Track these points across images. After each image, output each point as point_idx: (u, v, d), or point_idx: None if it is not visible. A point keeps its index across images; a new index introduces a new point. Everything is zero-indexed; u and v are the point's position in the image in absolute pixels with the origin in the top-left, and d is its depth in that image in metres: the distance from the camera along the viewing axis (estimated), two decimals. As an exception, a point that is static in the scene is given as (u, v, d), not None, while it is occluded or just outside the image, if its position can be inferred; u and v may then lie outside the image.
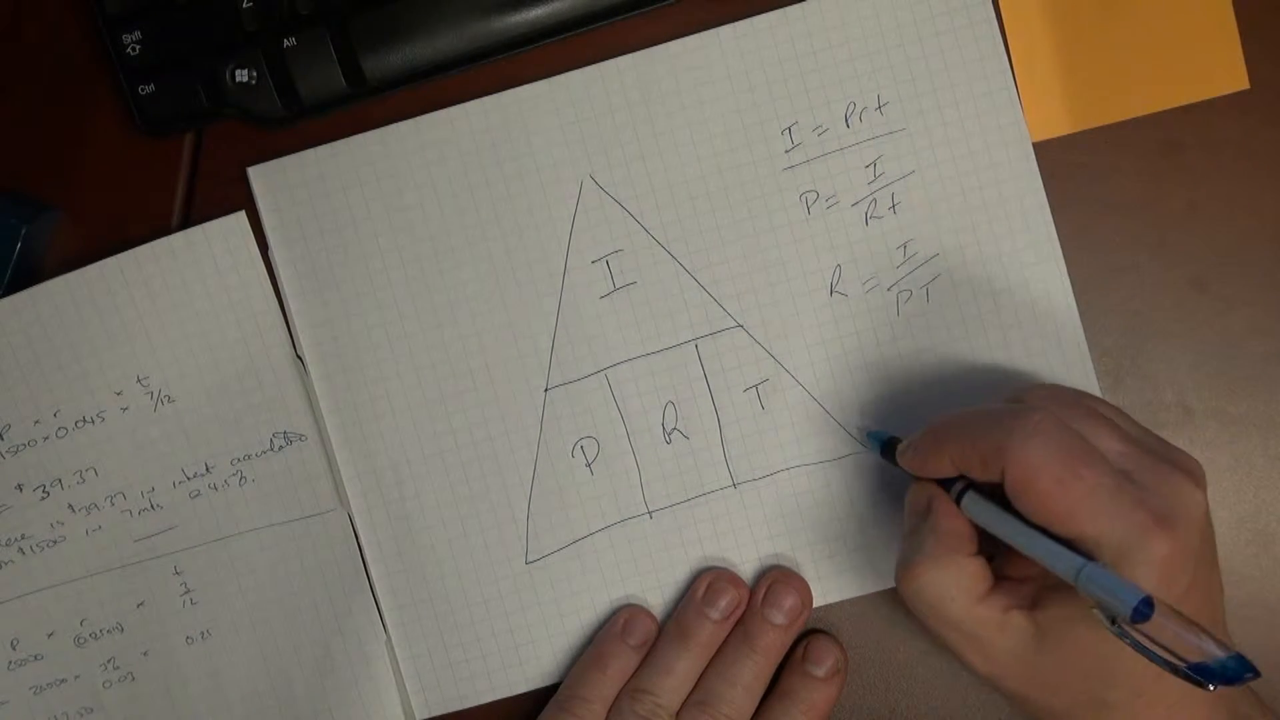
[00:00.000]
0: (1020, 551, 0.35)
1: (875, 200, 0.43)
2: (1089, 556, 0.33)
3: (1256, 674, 0.30)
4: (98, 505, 0.44)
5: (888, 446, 0.41)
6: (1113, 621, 0.32)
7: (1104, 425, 0.36)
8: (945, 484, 0.38)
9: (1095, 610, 0.32)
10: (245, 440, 0.44)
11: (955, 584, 0.36)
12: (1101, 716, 0.35)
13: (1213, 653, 0.30)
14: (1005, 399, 0.39)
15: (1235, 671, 0.30)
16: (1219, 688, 0.30)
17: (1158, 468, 0.35)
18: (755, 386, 0.44)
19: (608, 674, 0.43)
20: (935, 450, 0.37)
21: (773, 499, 0.44)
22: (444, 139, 0.44)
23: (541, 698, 0.44)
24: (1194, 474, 0.35)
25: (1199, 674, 0.30)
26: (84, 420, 0.44)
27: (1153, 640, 0.31)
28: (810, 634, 0.44)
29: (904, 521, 0.39)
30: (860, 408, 0.44)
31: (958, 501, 0.37)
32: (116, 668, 0.45)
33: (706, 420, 0.44)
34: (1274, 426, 0.43)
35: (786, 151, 0.43)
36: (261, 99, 0.43)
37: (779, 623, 0.42)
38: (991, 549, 0.37)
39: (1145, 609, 0.31)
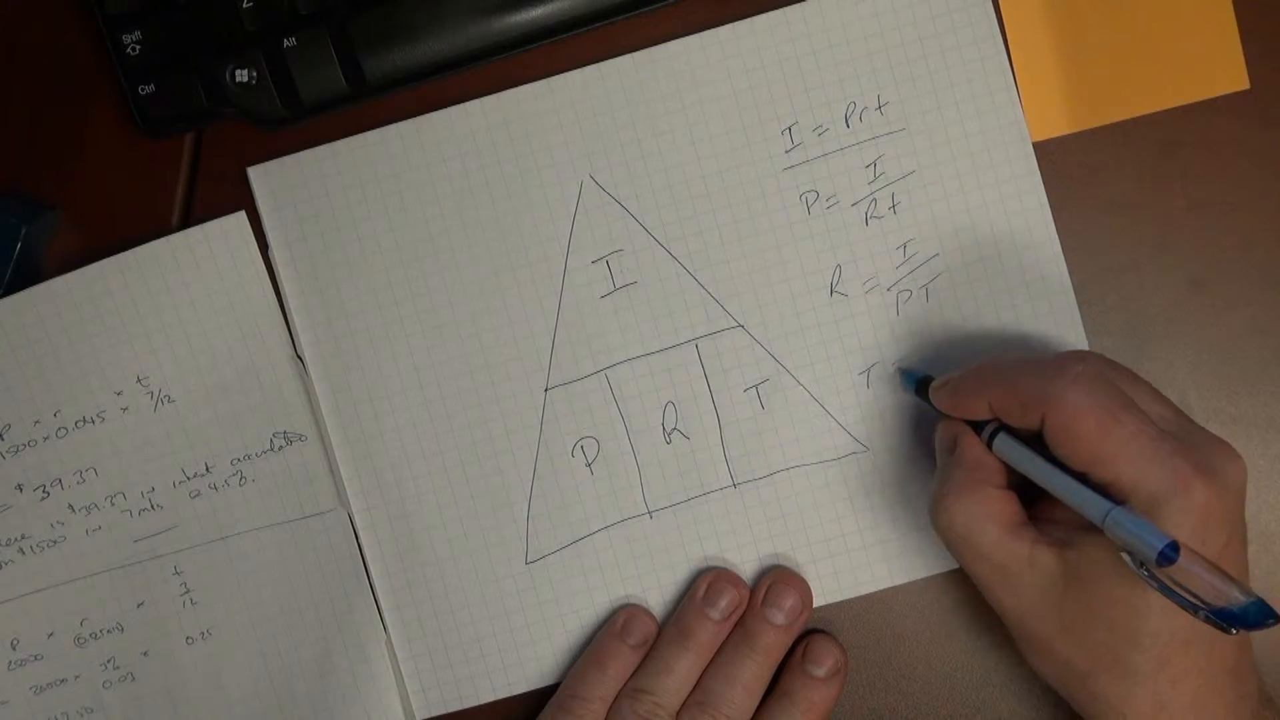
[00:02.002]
0: (1051, 492, 0.35)
1: (875, 200, 0.43)
2: (1121, 502, 0.33)
3: (1278, 619, 0.31)
4: (98, 505, 0.44)
5: (922, 385, 0.41)
6: (1140, 566, 0.32)
7: (1145, 389, 0.37)
8: (976, 426, 0.38)
9: (1123, 555, 0.33)
10: (245, 440, 0.44)
11: (985, 514, 0.37)
12: (1125, 685, 0.35)
13: (1236, 598, 0.31)
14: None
15: (1258, 616, 0.31)
16: (1240, 631, 0.31)
17: (1198, 431, 0.36)
18: (755, 386, 0.44)
19: (607, 674, 0.43)
20: (974, 392, 0.38)
21: (773, 499, 0.44)
22: (444, 139, 0.44)
23: (541, 698, 0.44)
24: (1233, 449, 0.35)
25: (1222, 619, 0.31)
26: (84, 420, 0.44)
27: (1178, 585, 0.31)
28: (810, 634, 0.44)
29: (936, 459, 0.40)
30: (860, 407, 0.44)
31: (989, 443, 0.38)
32: (116, 668, 0.45)
33: (706, 420, 0.44)
34: (1274, 426, 0.43)
35: (786, 151, 0.43)
36: (261, 99, 0.43)
37: (779, 623, 0.42)
38: (1023, 495, 0.38)
39: (1171, 553, 0.31)
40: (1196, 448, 0.34)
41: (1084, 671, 0.36)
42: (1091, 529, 0.34)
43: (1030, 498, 0.38)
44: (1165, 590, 0.32)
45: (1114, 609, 0.35)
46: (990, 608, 0.38)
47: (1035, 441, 0.37)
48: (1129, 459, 0.34)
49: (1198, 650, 0.34)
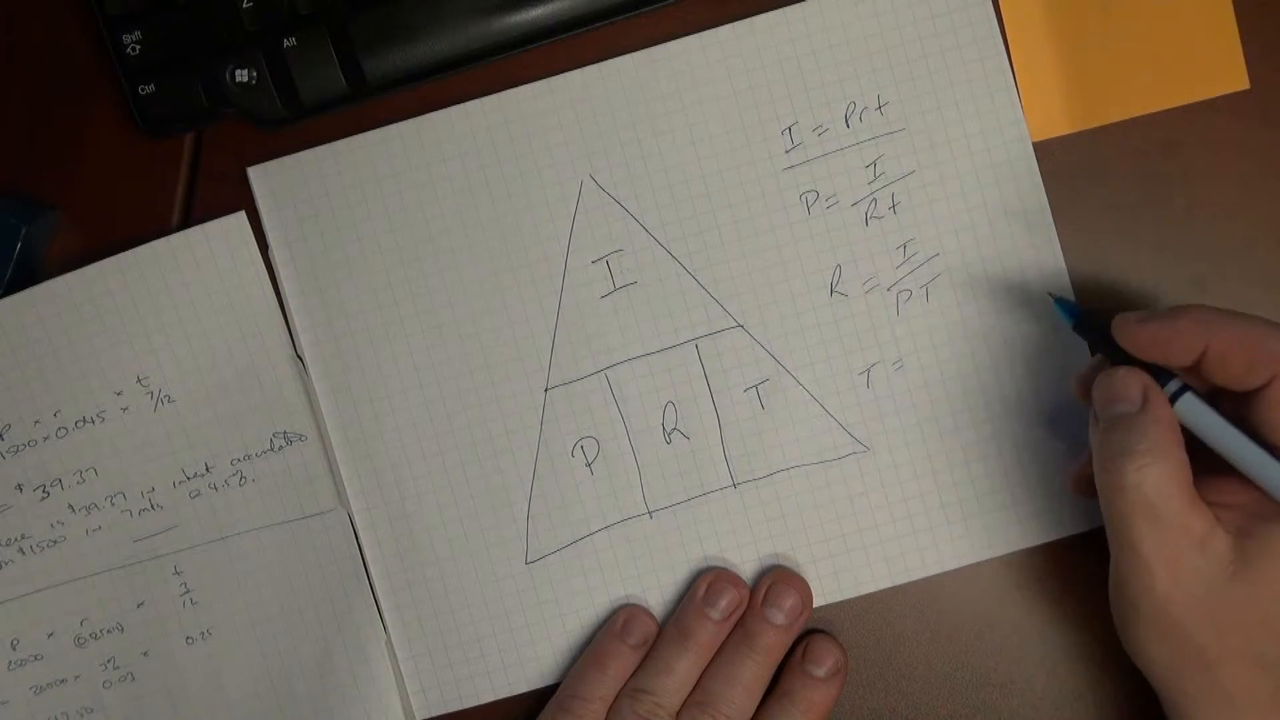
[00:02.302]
0: (1241, 468, 0.34)
1: (875, 200, 0.43)
2: None
3: None
4: (98, 505, 0.44)
5: (1086, 319, 0.38)
6: None
7: None
8: (1162, 378, 0.36)
9: None
10: (245, 440, 0.44)
11: (1175, 480, 0.34)
12: (1252, 675, 0.34)
13: None
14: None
15: None
16: None
17: None
18: (755, 386, 0.44)
19: (607, 674, 0.43)
20: (1192, 332, 0.35)
21: (773, 499, 0.44)
22: (444, 139, 0.44)
23: (541, 698, 0.44)
24: None
25: None
26: (84, 420, 0.44)
27: None
28: (810, 634, 0.44)
29: (1100, 412, 0.37)
30: (860, 407, 0.44)
31: (1172, 401, 0.36)
32: (116, 668, 0.45)
33: (706, 420, 0.44)
34: (1274, 426, 0.43)
35: (786, 151, 0.43)
36: (261, 99, 0.43)
37: (779, 623, 0.42)
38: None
39: None
40: None
41: (1215, 660, 0.35)
42: (1272, 518, 0.34)
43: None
44: None
45: (1276, 602, 0.34)
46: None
47: (1217, 406, 0.35)
48: None
49: None
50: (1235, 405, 0.36)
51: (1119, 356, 0.37)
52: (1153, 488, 0.34)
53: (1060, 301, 0.40)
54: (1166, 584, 0.35)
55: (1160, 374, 0.36)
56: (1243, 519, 0.35)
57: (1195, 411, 0.35)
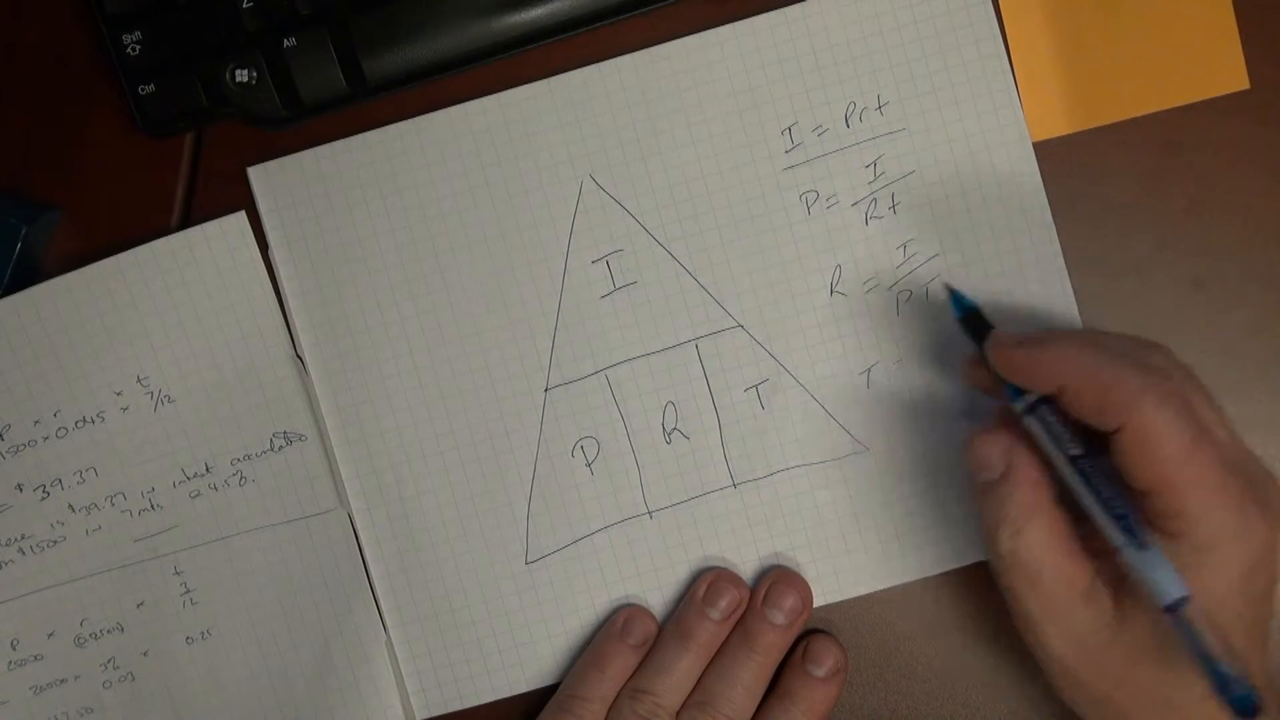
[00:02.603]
0: (1072, 492, 0.34)
1: (875, 200, 0.43)
2: (1137, 529, 0.33)
3: (1254, 714, 0.30)
4: (98, 505, 0.44)
5: (972, 319, 0.39)
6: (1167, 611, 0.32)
7: (1215, 411, 0.35)
8: (1014, 394, 0.36)
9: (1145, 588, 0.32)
10: (245, 440, 0.44)
11: (1051, 543, 0.35)
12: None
13: (1234, 678, 0.30)
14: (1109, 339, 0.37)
15: (1240, 705, 0.30)
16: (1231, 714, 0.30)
17: (1253, 462, 0.35)
18: (755, 386, 0.44)
19: (607, 674, 0.43)
20: (1050, 364, 0.35)
21: (773, 499, 0.44)
22: (444, 139, 0.44)
23: (541, 698, 0.44)
24: None
25: (1219, 688, 0.31)
26: (84, 420, 0.44)
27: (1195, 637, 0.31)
28: (810, 634, 0.44)
29: (973, 475, 0.37)
30: (860, 407, 0.44)
31: (1023, 413, 0.36)
32: (116, 668, 0.45)
33: (706, 420, 0.44)
34: (1274, 426, 0.43)
35: (786, 151, 0.43)
36: (261, 99, 0.43)
37: (779, 623, 0.42)
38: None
39: (1178, 606, 0.31)
40: (1256, 485, 0.34)
41: (1122, 710, 0.35)
42: None
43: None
44: (1187, 636, 0.31)
45: (1160, 653, 0.34)
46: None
47: (1067, 427, 0.35)
48: (1202, 492, 0.33)
49: None
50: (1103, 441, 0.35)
51: (989, 365, 0.37)
52: (1026, 551, 0.35)
53: (955, 294, 0.40)
54: (1058, 641, 0.35)
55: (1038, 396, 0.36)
56: (1119, 566, 0.35)
57: (1048, 431, 0.35)
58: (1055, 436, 0.35)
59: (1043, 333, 0.37)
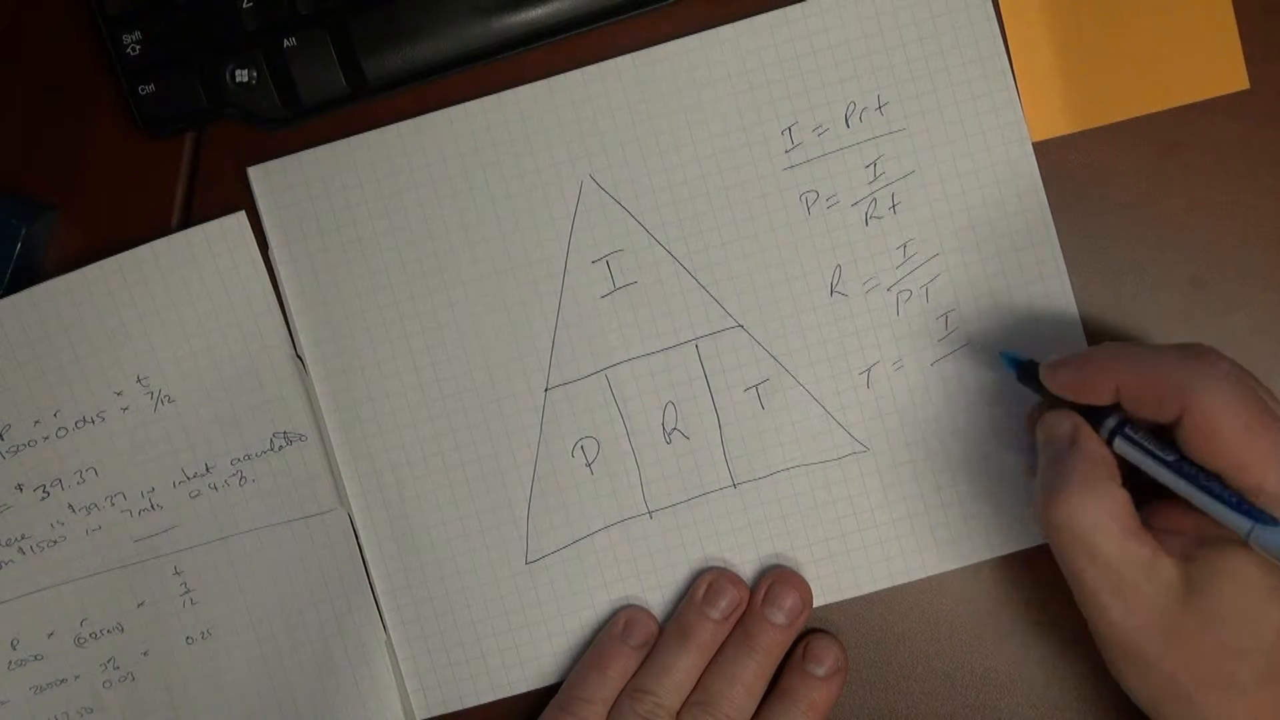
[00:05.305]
0: (1183, 496, 0.34)
1: (875, 200, 0.43)
2: (1257, 508, 0.33)
3: None
4: (98, 505, 0.44)
5: (1025, 369, 0.39)
6: None
7: (1268, 392, 0.35)
8: (1090, 415, 0.37)
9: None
10: (245, 440, 0.44)
11: (1107, 513, 0.35)
12: (1227, 699, 0.34)
13: None
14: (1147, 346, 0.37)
15: None
16: None
17: None
18: (755, 386, 0.44)
19: (608, 675, 0.43)
20: (1100, 374, 0.36)
21: (773, 499, 0.44)
22: (444, 139, 0.44)
23: (541, 698, 0.44)
24: None
25: None
26: (84, 420, 0.44)
27: None
28: (810, 634, 0.44)
29: (1040, 452, 0.38)
30: (860, 407, 0.44)
31: (1109, 440, 0.36)
32: (116, 668, 0.45)
33: (706, 420, 0.44)
34: (1274, 426, 0.43)
35: (786, 151, 0.43)
36: (261, 99, 0.43)
37: (779, 622, 0.42)
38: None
39: None
40: None
41: (1188, 688, 0.35)
42: (1215, 542, 0.34)
43: (1138, 503, 0.36)
44: None
45: (1231, 624, 0.34)
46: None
47: (1156, 437, 0.35)
48: (1275, 466, 0.33)
49: None
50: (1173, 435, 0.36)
51: (1057, 400, 0.38)
52: (1083, 523, 0.35)
53: (1006, 356, 0.41)
54: (1122, 614, 0.35)
55: (1103, 410, 0.37)
56: (1188, 544, 0.35)
57: (1133, 447, 0.36)
58: (1147, 450, 0.35)
59: (1077, 354, 0.37)
